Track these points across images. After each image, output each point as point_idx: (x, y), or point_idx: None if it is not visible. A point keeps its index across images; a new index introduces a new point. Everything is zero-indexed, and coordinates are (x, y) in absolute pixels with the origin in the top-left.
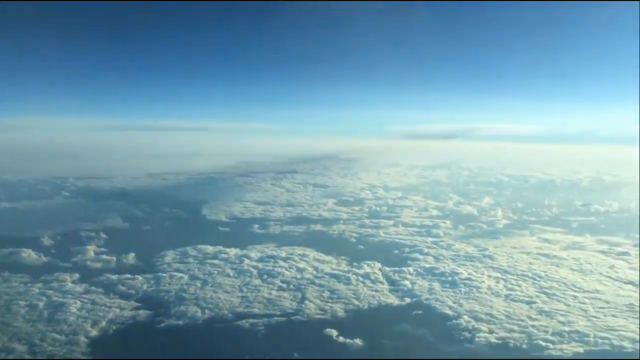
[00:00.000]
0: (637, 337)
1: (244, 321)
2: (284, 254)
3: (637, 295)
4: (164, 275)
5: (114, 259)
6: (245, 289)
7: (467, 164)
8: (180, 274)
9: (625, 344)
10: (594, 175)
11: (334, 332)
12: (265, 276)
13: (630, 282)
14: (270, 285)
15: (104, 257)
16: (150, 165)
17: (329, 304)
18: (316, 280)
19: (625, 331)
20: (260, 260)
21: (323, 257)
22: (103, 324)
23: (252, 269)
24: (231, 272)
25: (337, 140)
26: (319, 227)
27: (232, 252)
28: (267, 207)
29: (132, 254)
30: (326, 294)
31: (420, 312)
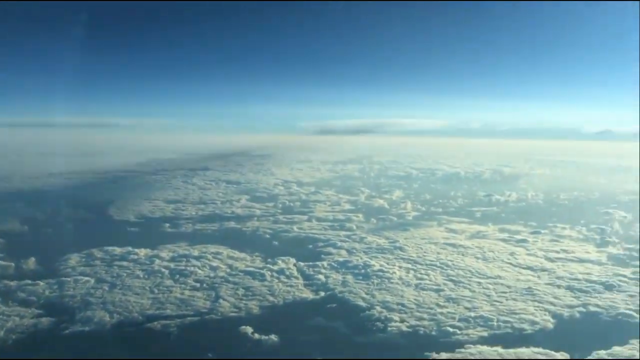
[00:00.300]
0: (535, 319)
1: (155, 323)
2: (196, 253)
3: (535, 279)
4: (68, 279)
5: (12, 264)
6: (156, 290)
7: (378, 159)
8: (86, 278)
9: (525, 326)
10: (494, 168)
11: (249, 329)
12: (178, 276)
13: (529, 268)
14: (183, 285)
15: (1, 262)
16: (52, 164)
17: (244, 302)
18: (230, 278)
19: (525, 314)
20: (172, 260)
21: (237, 254)
22: (1, 333)
23: (163, 270)
24: (141, 274)
25: (249, 137)
26: (232, 224)
27: (142, 252)
28: (179, 206)
29: (33, 259)
30: (240, 291)
31: (334, 305)
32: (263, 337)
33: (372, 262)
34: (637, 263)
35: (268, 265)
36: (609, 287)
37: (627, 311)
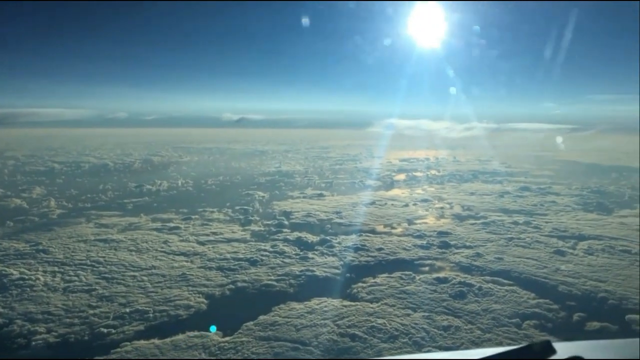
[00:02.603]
0: (190, 303)
1: None
2: None
3: (189, 264)
4: None
5: None
6: None
7: (12, 153)
8: None
9: (181, 312)
10: (144, 157)
11: None
12: None
13: (182, 254)
14: None
15: None
16: None
17: None
18: None
19: (180, 300)
20: None
21: None
22: None
23: None
24: None
25: None
26: None
27: None
28: None
29: None
30: None
31: None
32: None
33: (10, 271)
34: (275, 237)
35: None
36: (253, 263)
37: (268, 282)
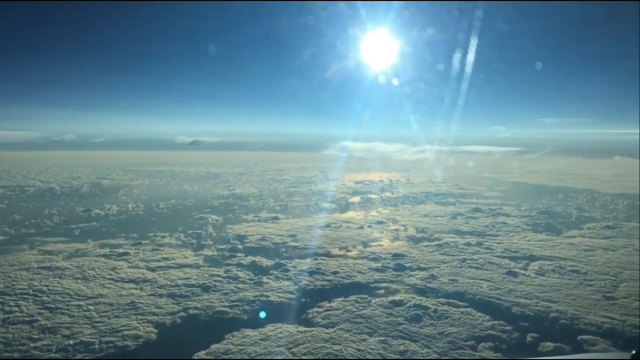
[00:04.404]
0: (139, 333)
1: None
2: None
3: (138, 292)
4: None
5: None
6: None
7: None
8: None
9: (129, 342)
10: (93, 181)
11: None
12: None
13: (132, 281)
14: None
15: None
16: None
17: None
18: None
19: (128, 329)
20: None
21: None
22: None
23: None
24: None
25: None
26: None
27: None
28: None
29: None
30: None
31: None
32: None
33: None
34: (229, 262)
35: None
36: (205, 289)
37: (222, 308)
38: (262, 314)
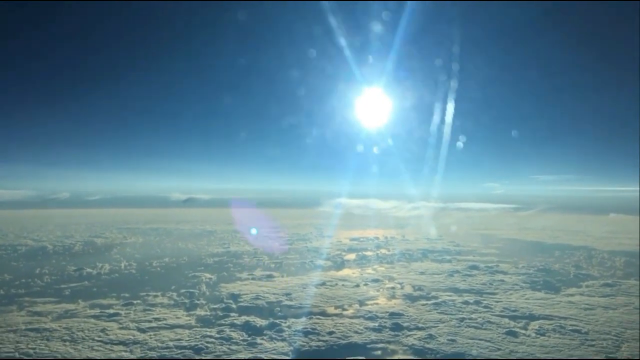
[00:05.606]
0: None
1: None
2: None
3: (127, 354)
4: None
5: None
6: None
7: None
8: None
9: None
10: (86, 239)
11: None
12: None
13: (121, 343)
14: None
15: None
16: None
17: None
18: None
19: None
20: None
21: None
22: None
23: None
24: None
25: None
26: None
27: None
28: None
29: None
30: None
31: None
32: None
33: None
34: (222, 322)
35: None
36: (197, 350)
37: None
38: None
